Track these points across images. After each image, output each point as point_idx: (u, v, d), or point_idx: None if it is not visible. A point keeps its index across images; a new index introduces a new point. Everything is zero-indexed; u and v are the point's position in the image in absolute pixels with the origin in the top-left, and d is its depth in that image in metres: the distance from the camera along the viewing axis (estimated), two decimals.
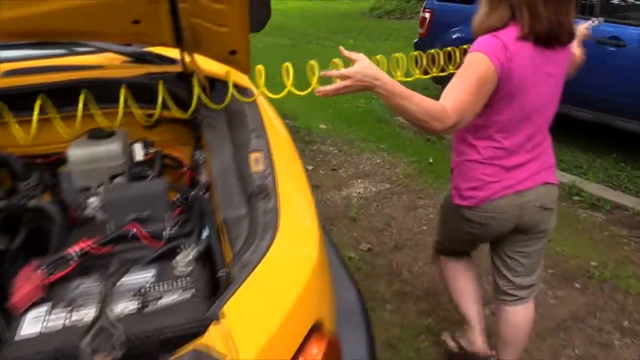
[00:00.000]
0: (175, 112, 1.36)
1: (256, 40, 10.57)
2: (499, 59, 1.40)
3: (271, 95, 1.41)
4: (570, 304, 2.49)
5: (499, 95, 1.46)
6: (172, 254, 1.07)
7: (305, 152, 4.44)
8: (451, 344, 2.12)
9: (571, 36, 1.50)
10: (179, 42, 1.39)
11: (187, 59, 1.43)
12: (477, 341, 1.96)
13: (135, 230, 1.11)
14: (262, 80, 1.31)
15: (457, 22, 5.06)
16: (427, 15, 5.30)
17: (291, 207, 1.10)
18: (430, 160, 4.15)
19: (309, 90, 1.37)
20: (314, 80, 1.31)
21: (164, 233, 1.12)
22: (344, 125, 5.20)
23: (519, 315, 1.84)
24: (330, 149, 4.55)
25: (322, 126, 5.15)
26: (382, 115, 5.41)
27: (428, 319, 2.38)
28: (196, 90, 1.27)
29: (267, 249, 0.97)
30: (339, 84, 1.22)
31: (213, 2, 1.18)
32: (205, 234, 1.14)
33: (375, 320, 1.77)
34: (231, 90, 1.27)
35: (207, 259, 1.09)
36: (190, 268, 1.03)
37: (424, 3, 5.50)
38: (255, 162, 1.21)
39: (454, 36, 5.04)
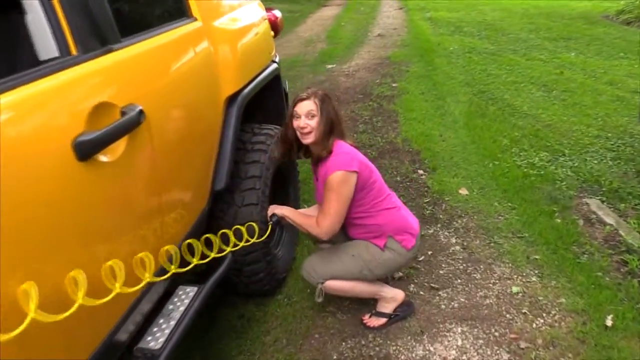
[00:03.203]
0: None
1: (449, 41, 8.79)
2: (354, 166, 2.00)
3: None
4: None
5: (371, 179, 2.10)
6: None
7: None
8: (382, 319, 2.33)
9: None
10: None
11: None
12: (392, 294, 2.34)
13: None
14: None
15: None
16: None
17: None
18: (609, 322, 2.25)
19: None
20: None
21: None
22: (496, 196, 3.47)
23: None
24: (451, 241, 2.96)
25: (463, 192, 3.53)
26: (562, 192, 3.48)
27: None
28: None
29: None
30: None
31: None
32: None
33: None
34: None
35: None
36: None
37: None
38: None
39: None
